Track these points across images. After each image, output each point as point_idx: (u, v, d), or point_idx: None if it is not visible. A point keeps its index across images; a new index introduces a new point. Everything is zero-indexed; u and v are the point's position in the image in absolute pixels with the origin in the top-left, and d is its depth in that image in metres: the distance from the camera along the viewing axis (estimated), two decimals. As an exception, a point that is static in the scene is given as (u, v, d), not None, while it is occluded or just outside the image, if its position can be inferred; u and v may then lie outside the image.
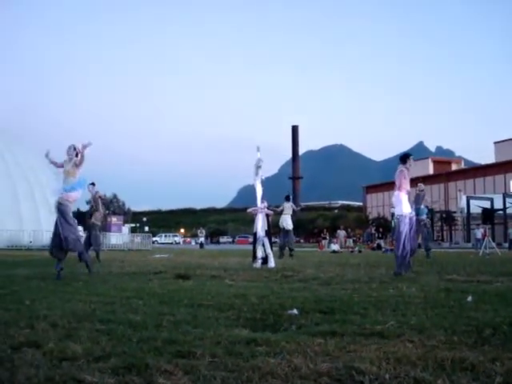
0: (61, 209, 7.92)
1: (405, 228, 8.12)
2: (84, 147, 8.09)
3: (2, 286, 6.16)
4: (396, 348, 2.83)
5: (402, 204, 8.21)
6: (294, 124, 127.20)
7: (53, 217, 8.51)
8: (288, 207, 17.22)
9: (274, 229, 13.21)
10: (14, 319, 3.76)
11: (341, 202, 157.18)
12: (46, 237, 24.57)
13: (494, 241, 22.59)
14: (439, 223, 58.86)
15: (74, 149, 8.06)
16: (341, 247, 29.81)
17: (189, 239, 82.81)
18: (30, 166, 33.70)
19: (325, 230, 41.27)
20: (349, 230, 44.99)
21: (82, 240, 11.38)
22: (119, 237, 35.12)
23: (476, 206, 42.94)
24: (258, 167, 11.04)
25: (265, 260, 10.49)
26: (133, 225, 62.93)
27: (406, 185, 8.37)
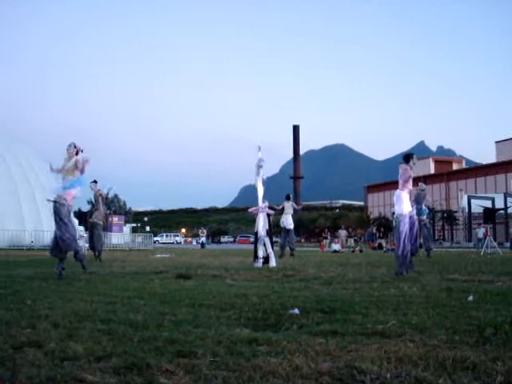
0: (56, 208, 7.88)
1: (405, 227, 8.10)
2: (85, 162, 7.97)
3: (4, 285, 6.16)
4: (397, 347, 2.82)
5: (403, 203, 8.19)
6: (296, 123, 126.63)
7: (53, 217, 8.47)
8: (288, 206, 17.23)
9: (274, 228, 13.21)
10: (16, 319, 3.76)
11: (342, 202, 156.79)
12: (47, 237, 24.65)
13: (495, 240, 22.56)
14: (440, 223, 58.84)
15: (75, 146, 8.01)
16: (342, 247, 29.79)
17: (190, 239, 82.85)
18: (30, 166, 33.75)
19: (326, 230, 41.29)
20: (350, 229, 44.99)
21: (82, 240, 11.35)
22: (120, 237, 35.21)
23: (477, 206, 42.98)
24: (259, 167, 11.05)
25: (266, 259, 10.50)
26: (134, 225, 62.87)
27: (409, 184, 8.36)
